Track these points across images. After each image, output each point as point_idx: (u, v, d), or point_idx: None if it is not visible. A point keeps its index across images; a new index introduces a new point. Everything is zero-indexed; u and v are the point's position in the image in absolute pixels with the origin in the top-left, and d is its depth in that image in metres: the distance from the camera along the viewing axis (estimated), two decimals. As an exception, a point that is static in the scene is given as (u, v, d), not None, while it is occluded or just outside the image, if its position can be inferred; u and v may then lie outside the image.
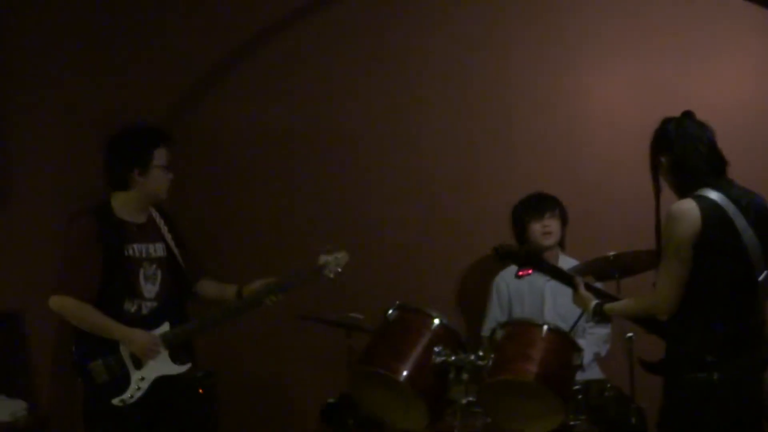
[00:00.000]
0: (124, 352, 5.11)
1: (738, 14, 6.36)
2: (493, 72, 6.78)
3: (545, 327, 5.13)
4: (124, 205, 5.29)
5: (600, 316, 4.54)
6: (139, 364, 5.12)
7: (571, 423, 5.29)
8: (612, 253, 5.05)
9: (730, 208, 4.17)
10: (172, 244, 5.38)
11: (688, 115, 4.46)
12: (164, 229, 5.41)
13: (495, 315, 6.33)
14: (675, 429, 4.34)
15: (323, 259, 5.46)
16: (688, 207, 4.16)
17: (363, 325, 5.67)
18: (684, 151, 4.33)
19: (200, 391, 6.29)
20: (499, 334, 5.23)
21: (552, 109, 6.72)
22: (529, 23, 6.71)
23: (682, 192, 4.29)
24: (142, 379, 5.14)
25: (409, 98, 6.88)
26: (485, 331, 6.27)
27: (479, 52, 6.80)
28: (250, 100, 7.01)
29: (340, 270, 5.48)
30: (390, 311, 5.24)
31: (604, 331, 6.17)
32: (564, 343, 5.13)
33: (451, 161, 6.83)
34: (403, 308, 5.26)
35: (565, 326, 5.63)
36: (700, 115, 6.05)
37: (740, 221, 4.17)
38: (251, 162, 7.04)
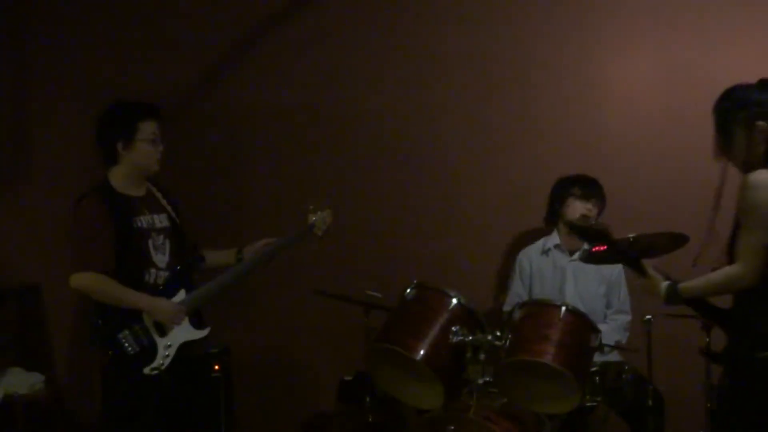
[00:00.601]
0: (148, 321, 5.12)
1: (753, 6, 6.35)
2: (514, 56, 6.75)
3: (563, 308, 5.09)
4: (121, 179, 5.31)
5: (674, 298, 4.28)
6: (163, 332, 5.15)
7: (588, 404, 5.27)
8: (632, 235, 4.98)
9: None
10: (173, 214, 5.43)
11: None
12: (163, 201, 5.45)
13: (517, 290, 6.31)
14: (745, 411, 4.15)
15: (311, 218, 5.64)
16: (766, 178, 4.05)
17: (381, 303, 5.65)
18: None
19: (216, 367, 6.30)
20: (517, 314, 5.21)
21: (572, 94, 6.68)
22: (551, 8, 6.68)
23: (766, 163, 4.12)
24: (169, 345, 5.18)
25: (430, 83, 6.86)
26: (507, 306, 6.27)
27: (501, 37, 6.77)
28: (265, 81, 7.02)
29: (326, 228, 5.68)
30: (408, 290, 5.22)
31: (625, 318, 6.13)
32: (582, 324, 5.10)
33: (471, 143, 6.81)
34: (421, 287, 5.23)
35: (584, 307, 5.69)
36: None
37: None
38: (266, 141, 7.07)
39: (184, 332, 5.26)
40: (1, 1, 7.13)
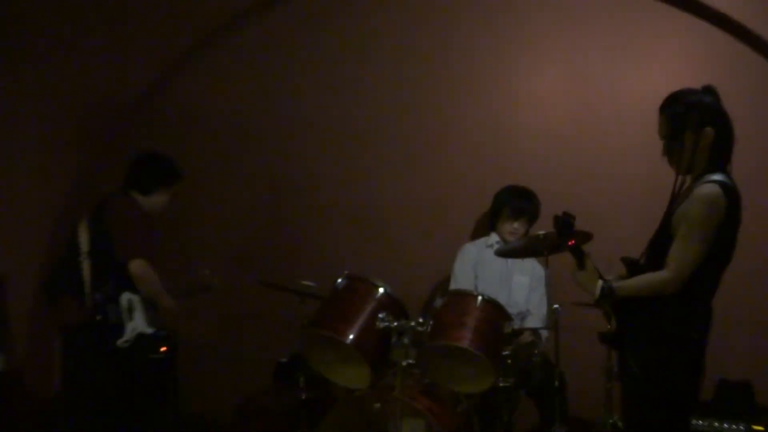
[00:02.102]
0: (124, 304, 5.51)
1: (661, 15, 6.36)
2: (432, 71, 6.78)
3: (480, 297, 5.22)
4: (142, 201, 5.77)
5: (608, 296, 4.13)
6: (130, 318, 5.53)
7: (501, 384, 5.28)
8: (542, 232, 5.03)
9: (737, 196, 4.03)
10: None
11: (714, 90, 4.15)
12: None
13: (464, 273, 6.28)
14: (676, 404, 4.11)
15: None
16: (719, 194, 3.93)
17: (315, 292, 5.65)
18: (727, 126, 4.10)
19: (163, 348, 6.18)
20: (439, 302, 5.31)
21: (487, 104, 6.69)
22: (465, 24, 6.67)
23: (711, 168, 4.04)
24: (134, 329, 5.53)
25: (362, 98, 6.89)
26: (453, 284, 6.26)
27: (419, 55, 6.80)
28: (222, 83, 7.01)
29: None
30: (339, 280, 5.29)
31: (542, 312, 6.10)
32: (497, 312, 5.21)
33: (396, 152, 6.83)
34: (351, 277, 5.30)
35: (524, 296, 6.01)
36: (628, 106, 6.31)
37: (739, 208, 4.05)
38: (220, 145, 7.05)
39: (141, 324, 5.57)
40: None
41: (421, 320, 5.13)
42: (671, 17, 6.35)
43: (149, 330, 5.60)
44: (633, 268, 4.20)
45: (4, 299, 6.96)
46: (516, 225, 6.16)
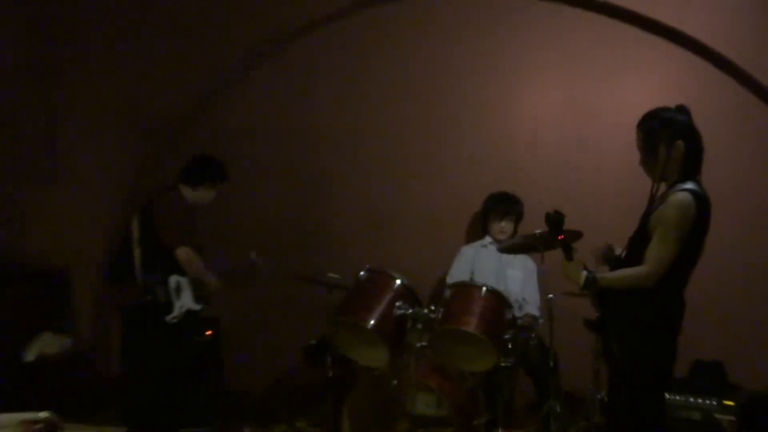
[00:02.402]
0: (173, 285, 5.64)
1: (645, 44, 6.35)
2: (447, 93, 6.78)
3: (484, 288, 5.27)
4: (187, 195, 5.86)
5: (591, 286, 4.16)
6: (178, 297, 5.65)
7: (503, 364, 5.30)
8: (538, 231, 5.11)
9: (707, 202, 4.06)
10: None
11: (686, 109, 4.17)
12: None
13: (459, 269, 6.34)
14: (652, 383, 4.14)
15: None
16: (690, 201, 3.97)
17: (340, 284, 5.70)
18: (697, 140, 4.11)
19: (208, 332, 6.39)
20: (448, 292, 5.36)
21: (493, 121, 6.70)
22: (474, 52, 6.68)
23: (682, 177, 4.07)
24: (181, 306, 5.64)
25: (386, 113, 6.89)
26: (449, 279, 6.28)
27: (435, 79, 6.79)
28: (262, 99, 6.97)
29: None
30: (362, 273, 5.41)
31: (536, 300, 6.20)
32: (499, 301, 5.27)
33: (419, 162, 6.83)
34: (372, 271, 5.42)
35: (511, 286, 5.97)
36: (612, 123, 6.21)
37: (708, 213, 4.08)
38: (262, 156, 7.01)
39: (188, 301, 5.67)
40: (38, 29, 7.02)
41: (432, 308, 5.25)
42: (654, 46, 6.30)
43: (196, 307, 5.72)
44: (614, 262, 4.24)
45: (69, 288, 7.04)
46: (503, 224, 6.22)
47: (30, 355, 6.48)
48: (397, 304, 5.22)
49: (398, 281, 5.31)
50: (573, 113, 6.49)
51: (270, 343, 6.87)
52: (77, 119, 7.09)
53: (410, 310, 5.23)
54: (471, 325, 5.09)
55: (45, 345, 6.53)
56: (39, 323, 6.79)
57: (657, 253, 4.01)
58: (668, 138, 4.08)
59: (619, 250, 4.34)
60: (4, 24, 6.91)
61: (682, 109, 4.17)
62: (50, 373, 6.49)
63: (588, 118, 6.46)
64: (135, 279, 5.60)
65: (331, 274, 5.79)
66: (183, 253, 5.61)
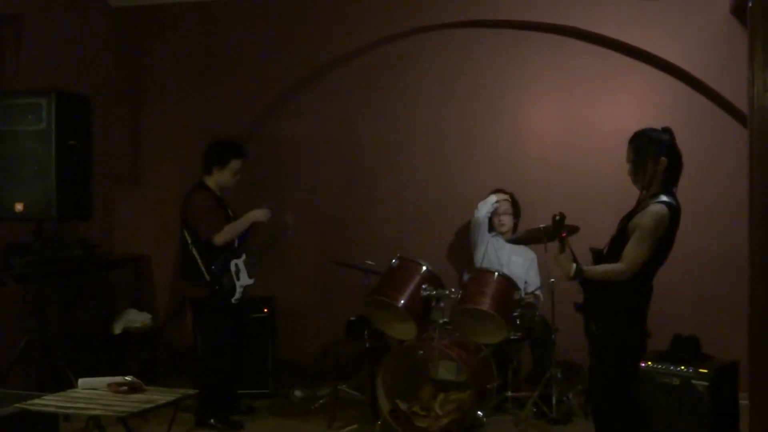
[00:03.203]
0: (233, 270, 5.50)
1: (630, 68, 6.31)
2: (461, 110, 6.69)
3: (496, 273, 5.31)
4: (213, 185, 5.60)
5: (578, 275, 4.12)
6: (238, 278, 5.51)
7: (512, 337, 5.37)
8: (542, 225, 5.05)
9: (679, 212, 4.05)
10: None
11: (671, 130, 4.15)
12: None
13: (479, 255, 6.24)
14: (623, 355, 4.15)
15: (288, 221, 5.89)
16: (665, 213, 3.95)
17: (375, 269, 5.67)
18: (678, 156, 4.09)
19: (265, 310, 6.37)
20: (466, 277, 5.42)
21: (500, 135, 6.63)
22: (485, 73, 6.64)
23: (661, 189, 4.05)
24: (241, 286, 5.52)
25: (406, 124, 6.80)
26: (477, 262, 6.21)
27: (453, 100, 6.72)
28: (312, 117, 6.93)
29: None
30: (393, 260, 5.41)
31: (537, 283, 6.10)
32: (508, 284, 5.30)
33: (436, 170, 6.75)
34: (402, 258, 5.42)
35: (514, 271, 5.85)
36: (604, 139, 6.17)
37: (678, 221, 4.07)
38: (309, 163, 6.96)
39: (246, 279, 5.55)
40: (125, 64, 7.11)
41: (453, 290, 5.28)
42: (638, 70, 6.25)
43: (250, 281, 5.57)
44: (597, 256, 4.22)
45: (150, 272, 7.07)
46: (502, 218, 6.13)
47: (117, 329, 6.49)
48: (424, 286, 5.22)
49: (424, 267, 5.31)
50: (569, 125, 6.44)
51: (316, 319, 6.83)
52: (156, 134, 7.14)
53: (434, 292, 5.22)
54: (485, 304, 5.12)
55: (129, 320, 6.55)
56: (125, 302, 6.83)
57: (633, 253, 3.99)
58: (654, 154, 4.05)
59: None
60: (100, 57, 6.98)
61: (667, 130, 4.14)
62: (133, 343, 6.52)
63: (581, 129, 6.41)
64: (202, 276, 5.45)
65: (368, 262, 5.76)
66: (218, 240, 5.45)
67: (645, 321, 4.15)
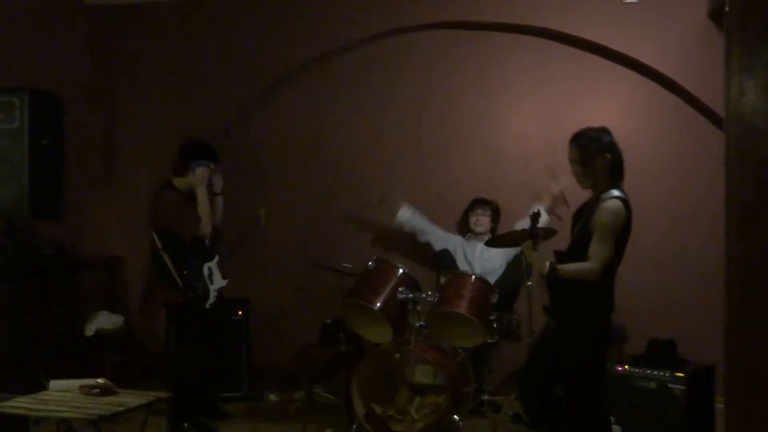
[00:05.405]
0: (206, 274, 5.46)
1: (609, 71, 6.38)
2: (449, 111, 6.72)
3: (473, 276, 5.29)
4: (181, 184, 5.52)
5: (551, 274, 4.21)
6: (211, 282, 5.48)
7: (489, 340, 5.36)
8: (520, 228, 5.06)
9: (630, 206, 4.16)
10: None
11: (609, 130, 4.28)
12: None
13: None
14: (588, 349, 4.23)
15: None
16: (621, 207, 4.08)
17: (351, 272, 5.68)
18: (619, 154, 4.21)
19: (240, 312, 6.37)
20: (443, 279, 5.39)
21: (480, 133, 6.67)
22: (469, 74, 6.67)
23: (609, 185, 4.17)
24: (214, 291, 5.49)
25: (389, 124, 6.80)
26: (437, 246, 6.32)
27: (437, 100, 6.75)
28: (291, 116, 6.91)
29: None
30: (370, 262, 5.38)
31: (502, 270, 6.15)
32: (485, 287, 5.28)
33: (417, 171, 6.77)
34: (379, 261, 5.42)
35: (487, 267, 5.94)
36: None
37: (631, 215, 4.17)
38: (288, 164, 6.94)
39: (219, 282, 5.54)
40: (100, 59, 7.05)
41: (430, 293, 5.27)
42: (616, 72, 6.34)
43: (224, 282, 5.57)
44: (560, 257, 4.29)
45: (122, 274, 7.02)
46: (478, 217, 6.20)
47: (89, 330, 6.44)
48: (400, 289, 5.21)
49: (401, 270, 5.30)
50: (548, 127, 6.46)
51: (292, 321, 6.80)
52: (131, 134, 7.08)
53: (411, 295, 5.21)
54: (462, 307, 5.11)
55: (102, 322, 6.48)
56: (97, 304, 6.77)
57: (598, 252, 4.10)
58: (598, 152, 4.18)
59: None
60: (74, 56, 6.91)
61: (605, 130, 4.27)
62: (106, 346, 6.47)
63: (561, 131, 6.19)
64: (174, 281, 5.37)
65: (345, 264, 5.78)
66: (204, 228, 5.44)
67: (608, 316, 4.25)
